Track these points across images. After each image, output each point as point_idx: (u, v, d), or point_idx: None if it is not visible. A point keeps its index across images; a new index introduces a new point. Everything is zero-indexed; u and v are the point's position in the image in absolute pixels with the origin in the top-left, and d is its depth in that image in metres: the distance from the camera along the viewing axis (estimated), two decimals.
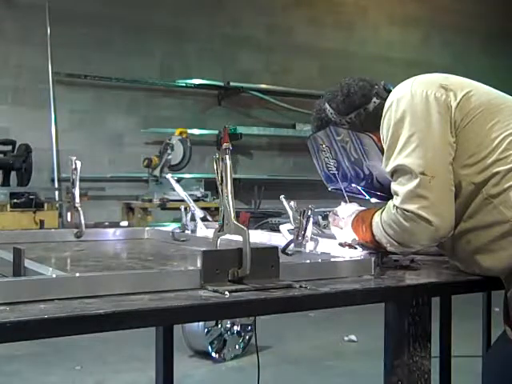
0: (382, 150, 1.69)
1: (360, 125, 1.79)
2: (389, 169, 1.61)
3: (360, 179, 1.84)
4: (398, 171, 1.58)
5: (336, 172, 1.87)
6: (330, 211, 1.91)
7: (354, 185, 1.86)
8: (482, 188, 1.54)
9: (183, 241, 2.09)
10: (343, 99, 1.82)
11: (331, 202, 1.95)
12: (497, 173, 1.53)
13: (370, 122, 1.76)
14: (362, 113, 1.79)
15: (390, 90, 1.75)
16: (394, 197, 1.59)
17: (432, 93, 1.61)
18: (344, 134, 1.81)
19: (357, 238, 1.73)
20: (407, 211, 1.53)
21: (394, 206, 1.57)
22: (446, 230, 1.54)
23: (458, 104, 1.59)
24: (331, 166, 1.88)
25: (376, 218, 1.64)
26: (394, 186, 1.60)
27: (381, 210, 1.64)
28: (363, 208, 1.80)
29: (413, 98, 1.61)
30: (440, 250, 1.72)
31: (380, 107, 1.71)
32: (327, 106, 1.85)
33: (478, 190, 1.55)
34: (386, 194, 1.75)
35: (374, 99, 1.79)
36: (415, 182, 1.53)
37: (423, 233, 1.54)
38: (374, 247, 1.68)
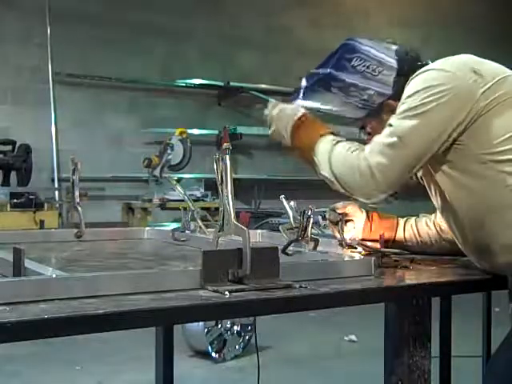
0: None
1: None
2: (388, 122, 1.63)
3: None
4: (389, 127, 1.60)
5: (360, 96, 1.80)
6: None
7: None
8: (502, 172, 1.53)
9: (183, 241, 2.09)
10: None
11: (331, 202, 1.95)
12: None
13: (397, 90, 1.73)
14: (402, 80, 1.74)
15: None
16: (368, 145, 1.62)
17: (460, 75, 1.58)
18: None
19: (357, 239, 1.73)
20: (367, 160, 1.57)
21: (363, 150, 1.61)
22: (382, 193, 1.59)
23: (487, 90, 1.56)
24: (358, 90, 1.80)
25: (327, 145, 1.67)
26: (376, 136, 1.63)
27: (336, 140, 1.67)
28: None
29: (439, 74, 1.60)
30: (450, 240, 1.72)
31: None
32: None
33: (497, 174, 1.54)
34: None
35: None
36: (390, 140, 1.57)
37: (364, 184, 1.58)
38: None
